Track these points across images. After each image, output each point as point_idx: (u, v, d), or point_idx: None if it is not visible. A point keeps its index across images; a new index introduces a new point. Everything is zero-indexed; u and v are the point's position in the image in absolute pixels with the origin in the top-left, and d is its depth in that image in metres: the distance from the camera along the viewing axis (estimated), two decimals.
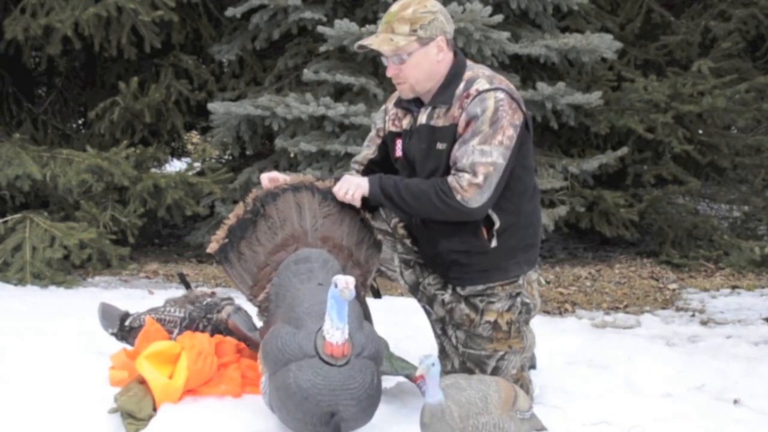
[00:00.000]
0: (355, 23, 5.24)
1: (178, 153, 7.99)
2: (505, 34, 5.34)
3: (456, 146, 2.77)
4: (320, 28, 5.33)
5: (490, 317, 2.91)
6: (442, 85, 2.84)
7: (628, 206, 6.01)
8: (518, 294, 2.92)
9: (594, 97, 5.60)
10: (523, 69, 5.85)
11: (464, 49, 5.31)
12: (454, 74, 2.83)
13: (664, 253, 6.04)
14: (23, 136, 5.78)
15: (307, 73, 5.42)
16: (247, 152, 6.16)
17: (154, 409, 2.72)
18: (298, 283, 2.81)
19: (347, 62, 5.54)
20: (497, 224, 2.85)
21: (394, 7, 2.81)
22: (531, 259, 2.96)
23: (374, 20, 5.33)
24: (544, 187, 5.47)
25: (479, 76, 2.81)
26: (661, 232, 6.16)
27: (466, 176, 2.72)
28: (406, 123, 2.97)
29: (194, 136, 8.61)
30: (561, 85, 5.49)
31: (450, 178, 2.75)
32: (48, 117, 6.48)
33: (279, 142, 5.45)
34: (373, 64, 5.65)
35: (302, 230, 2.94)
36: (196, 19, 6.25)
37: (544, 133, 6.03)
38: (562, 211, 5.54)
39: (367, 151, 3.16)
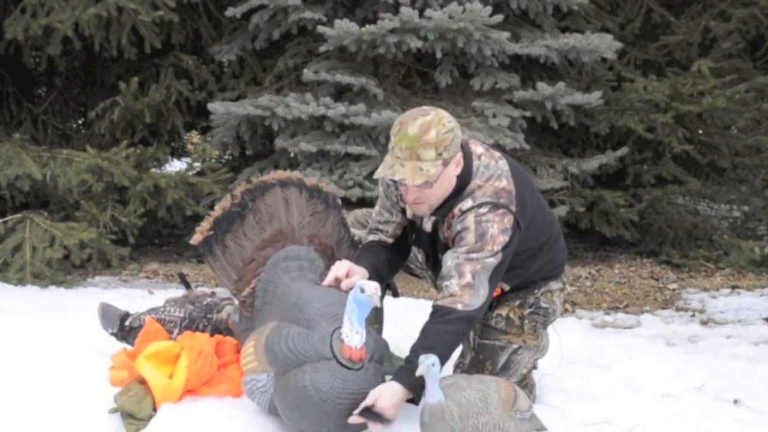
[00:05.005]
0: (355, 23, 5.23)
1: (178, 153, 7.97)
2: (505, 34, 5.33)
3: (444, 256, 2.74)
4: (320, 28, 5.32)
5: (502, 311, 2.96)
6: (447, 198, 2.76)
7: (628, 206, 6.01)
8: (533, 296, 2.98)
9: (594, 97, 5.60)
10: (523, 69, 5.84)
11: (464, 49, 5.31)
12: (459, 188, 2.75)
13: (664, 253, 6.04)
14: (23, 136, 5.77)
15: (307, 73, 5.42)
16: (247, 152, 6.16)
17: (154, 409, 2.72)
18: (289, 280, 2.81)
19: (347, 62, 5.53)
20: (507, 287, 2.91)
21: (413, 130, 2.63)
22: (549, 276, 3.00)
23: (374, 20, 5.32)
24: (544, 187, 5.47)
25: (474, 190, 2.73)
26: (661, 232, 6.16)
27: (453, 281, 2.66)
28: (410, 212, 2.92)
29: (194, 136, 8.60)
30: (561, 85, 5.49)
31: (440, 302, 2.67)
32: (48, 117, 6.46)
33: (279, 142, 5.45)
34: (373, 64, 5.65)
35: (290, 227, 2.95)
36: (196, 19, 6.24)
37: (544, 133, 6.04)
38: (562, 211, 5.54)
39: (395, 218, 2.98)
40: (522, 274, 2.90)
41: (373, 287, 2.48)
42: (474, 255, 2.67)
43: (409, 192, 2.72)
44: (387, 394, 2.51)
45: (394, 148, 2.66)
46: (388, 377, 2.91)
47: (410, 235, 2.94)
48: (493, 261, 2.68)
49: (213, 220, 2.95)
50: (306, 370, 2.48)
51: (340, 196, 5.00)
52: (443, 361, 2.68)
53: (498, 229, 2.69)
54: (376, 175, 2.73)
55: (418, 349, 2.60)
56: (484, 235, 2.67)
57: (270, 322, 2.70)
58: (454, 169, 2.72)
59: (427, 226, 2.85)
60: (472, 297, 2.66)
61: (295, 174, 3.05)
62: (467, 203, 2.72)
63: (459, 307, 2.65)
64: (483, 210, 2.70)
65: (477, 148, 2.82)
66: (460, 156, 2.72)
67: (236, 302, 3.25)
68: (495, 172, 2.77)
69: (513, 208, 2.72)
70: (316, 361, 2.49)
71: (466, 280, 2.65)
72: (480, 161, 2.78)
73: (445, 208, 2.77)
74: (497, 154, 2.84)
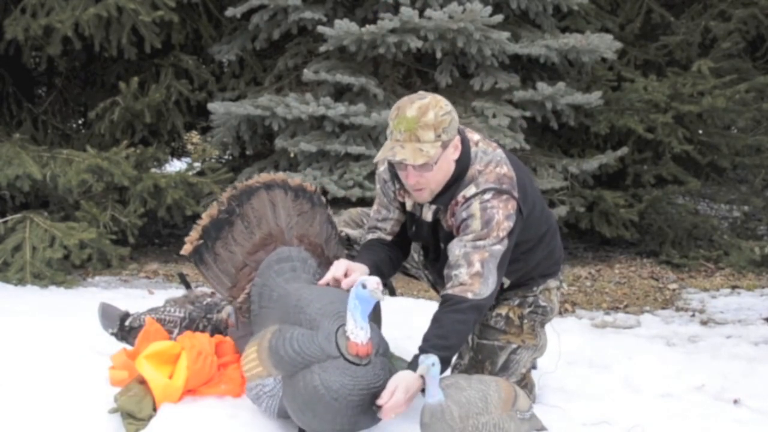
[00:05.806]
0: (355, 23, 5.24)
1: (178, 153, 7.98)
2: (505, 34, 5.33)
3: (450, 244, 2.74)
4: (320, 28, 5.32)
5: (502, 311, 2.96)
6: (446, 185, 2.76)
7: (628, 206, 6.02)
8: (532, 295, 2.98)
9: (594, 97, 5.60)
10: (523, 69, 5.84)
11: (464, 49, 5.31)
12: (458, 173, 2.75)
13: (664, 253, 6.05)
14: (23, 136, 5.77)
15: (307, 73, 5.42)
16: (247, 152, 6.16)
17: (154, 409, 2.72)
18: (283, 282, 2.81)
19: (347, 62, 5.53)
20: (507, 283, 2.89)
21: (411, 112, 2.65)
22: (547, 272, 3.01)
23: (374, 20, 5.32)
24: (544, 187, 5.47)
25: (475, 176, 2.75)
26: (661, 232, 6.16)
27: (463, 270, 2.67)
28: (409, 204, 2.92)
29: (194, 136, 8.60)
30: (561, 85, 5.49)
31: (450, 290, 2.69)
32: (48, 117, 6.47)
33: (279, 142, 5.45)
34: (373, 64, 5.65)
35: (279, 229, 2.95)
36: (196, 19, 6.24)
37: (544, 133, 6.04)
38: (562, 211, 5.54)
39: (393, 215, 2.98)
40: (522, 268, 2.90)
41: (375, 282, 2.48)
42: (481, 242, 2.68)
43: (409, 176, 2.72)
44: (403, 383, 2.51)
45: (393, 131, 2.68)
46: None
47: (410, 228, 2.94)
48: (500, 248, 2.69)
49: (201, 228, 2.93)
50: (314, 370, 2.48)
51: (340, 196, 5.04)
52: (456, 350, 2.71)
53: (503, 215, 2.70)
54: (376, 159, 2.75)
55: (431, 338, 2.62)
56: (490, 221, 2.68)
57: (270, 325, 2.70)
58: (453, 153, 2.72)
59: (428, 215, 2.85)
60: (482, 285, 2.67)
61: (279, 175, 3.04)
62: (471, 189, 2.73)
63: (469, 295, 2.66)
64: (487, 196, 2.71)
65: (473, 136, 2.84)
66: (458, 140, 2.73)
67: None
68: (494, 158, 2.78)
69: (515, 194, 2.74)
70: (323, 361, 2.49)
71: (476, 268, 2.66)
72: (478, 147, 2.80)
73: (446, 195, 2.77)
74: (493, 143, 2.87)
